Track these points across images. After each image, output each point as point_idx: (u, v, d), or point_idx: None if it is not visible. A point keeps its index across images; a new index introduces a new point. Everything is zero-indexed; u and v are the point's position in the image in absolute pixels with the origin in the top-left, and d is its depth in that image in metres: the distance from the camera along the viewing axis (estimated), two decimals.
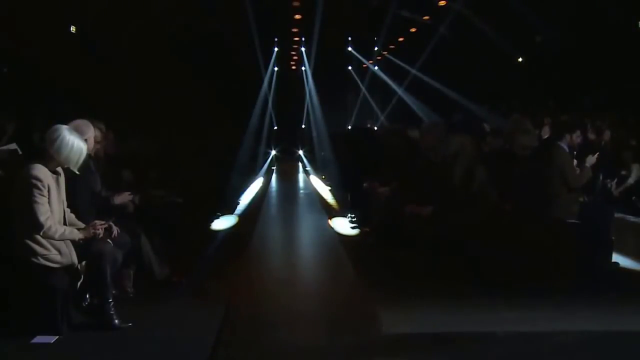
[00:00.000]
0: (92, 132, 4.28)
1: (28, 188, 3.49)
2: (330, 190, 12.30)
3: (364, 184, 7.52)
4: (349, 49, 18.79)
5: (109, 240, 3.83)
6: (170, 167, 7.61)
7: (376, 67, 19.04)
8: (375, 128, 15.56)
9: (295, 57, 20.02)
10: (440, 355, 3.54)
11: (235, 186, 11.24)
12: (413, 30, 16.16)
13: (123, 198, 4.96)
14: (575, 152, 5.55)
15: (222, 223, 8.25)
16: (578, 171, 5.27)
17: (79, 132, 3.82)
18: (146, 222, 4.91)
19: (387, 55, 18.61)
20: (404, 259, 5.75)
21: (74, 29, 9.29)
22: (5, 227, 3.68)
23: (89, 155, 3.94)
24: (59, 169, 3.73)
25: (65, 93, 10.12)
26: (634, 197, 7.18)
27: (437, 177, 5.59)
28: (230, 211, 9.23)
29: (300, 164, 21.10)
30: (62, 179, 3.78)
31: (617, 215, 5.85)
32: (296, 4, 13.31)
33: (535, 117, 9.44)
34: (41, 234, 3.50)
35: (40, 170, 3.54)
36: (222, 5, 12.69)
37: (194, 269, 5.37)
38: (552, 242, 5.01)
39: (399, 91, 17.40)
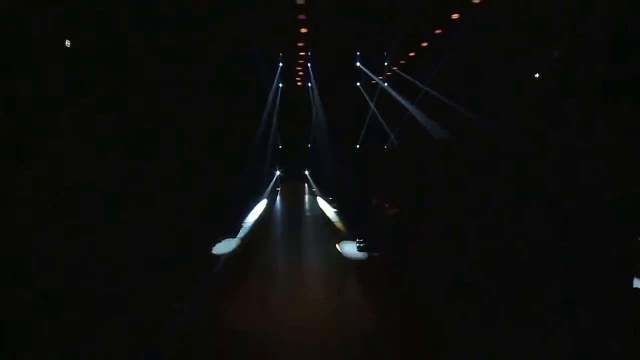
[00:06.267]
0: None
1: None
2: (336, 212, 11.81)
3: (373, 200, 7.24)
4: (357, 64, 18.38)
5: None
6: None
7: (386, 84, 18.59)
8: (385, 147, 15.06)
9: (300, 73, 19.61)
10: None
11: (238, 208, 10.71)
12: (424, 44, 15.74)
13: None
14: None
15: (223, 247, 7.78)
16: None
17: None
18: None
19: (397, 70, 18.16)
20: (413, 282, 5.61)
21: (69, 44, 8.79)
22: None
23: None
24: None
25: None
26: None
27: None
28: (233, 234, 8.72)
29: (306, 185, 20.46)
30: None
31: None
32: (302, 17, 12.85)
33: None
34: None
35: None
36: (225, 17, 12.27)
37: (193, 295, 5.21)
38: None
39: (410, 108, 16.91)
